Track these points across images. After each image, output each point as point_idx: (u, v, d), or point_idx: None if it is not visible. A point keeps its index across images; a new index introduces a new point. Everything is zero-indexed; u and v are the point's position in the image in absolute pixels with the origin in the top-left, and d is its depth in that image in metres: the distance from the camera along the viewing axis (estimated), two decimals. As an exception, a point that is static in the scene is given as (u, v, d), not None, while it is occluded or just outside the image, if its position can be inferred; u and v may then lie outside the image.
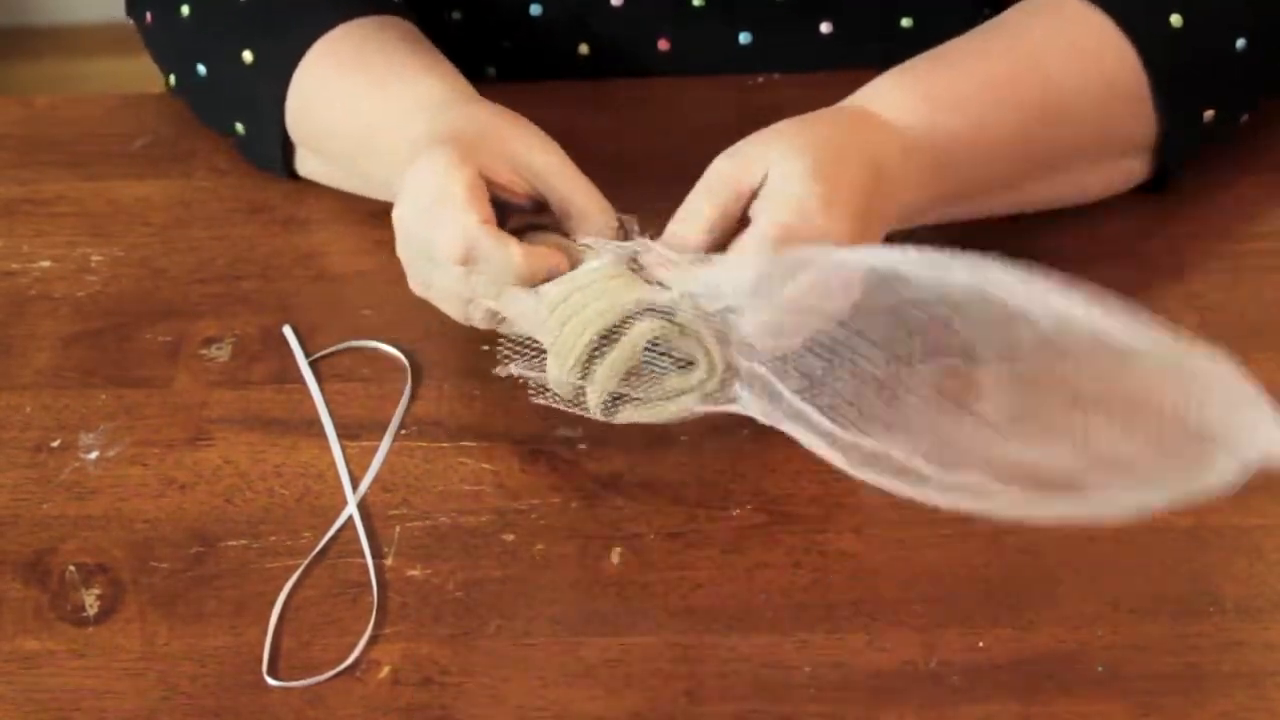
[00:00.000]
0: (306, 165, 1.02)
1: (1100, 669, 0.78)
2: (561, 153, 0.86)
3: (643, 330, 0.81)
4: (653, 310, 0.81)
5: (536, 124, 0.95)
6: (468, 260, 0.82)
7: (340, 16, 0.98)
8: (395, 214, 0.86)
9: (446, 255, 0.83)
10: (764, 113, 1.04)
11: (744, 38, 1.07)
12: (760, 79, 1.06)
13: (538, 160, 0.86)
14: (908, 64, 0.93)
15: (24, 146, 1.08)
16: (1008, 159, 0.92)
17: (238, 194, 1.03)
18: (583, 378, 0.82)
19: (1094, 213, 0.97)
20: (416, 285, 0.88)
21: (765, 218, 0.81)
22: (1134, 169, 0.96)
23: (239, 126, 1.01)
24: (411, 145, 0.87)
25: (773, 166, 0.83)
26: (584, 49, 1.10)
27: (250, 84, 0.99)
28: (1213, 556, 0.82)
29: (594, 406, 0.83)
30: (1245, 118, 0.98)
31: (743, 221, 0.83)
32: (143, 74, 1.15)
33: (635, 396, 0.83)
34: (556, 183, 0.85)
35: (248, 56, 0.99)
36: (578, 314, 0.81)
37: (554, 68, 1.12)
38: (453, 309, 0.87)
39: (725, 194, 0.83)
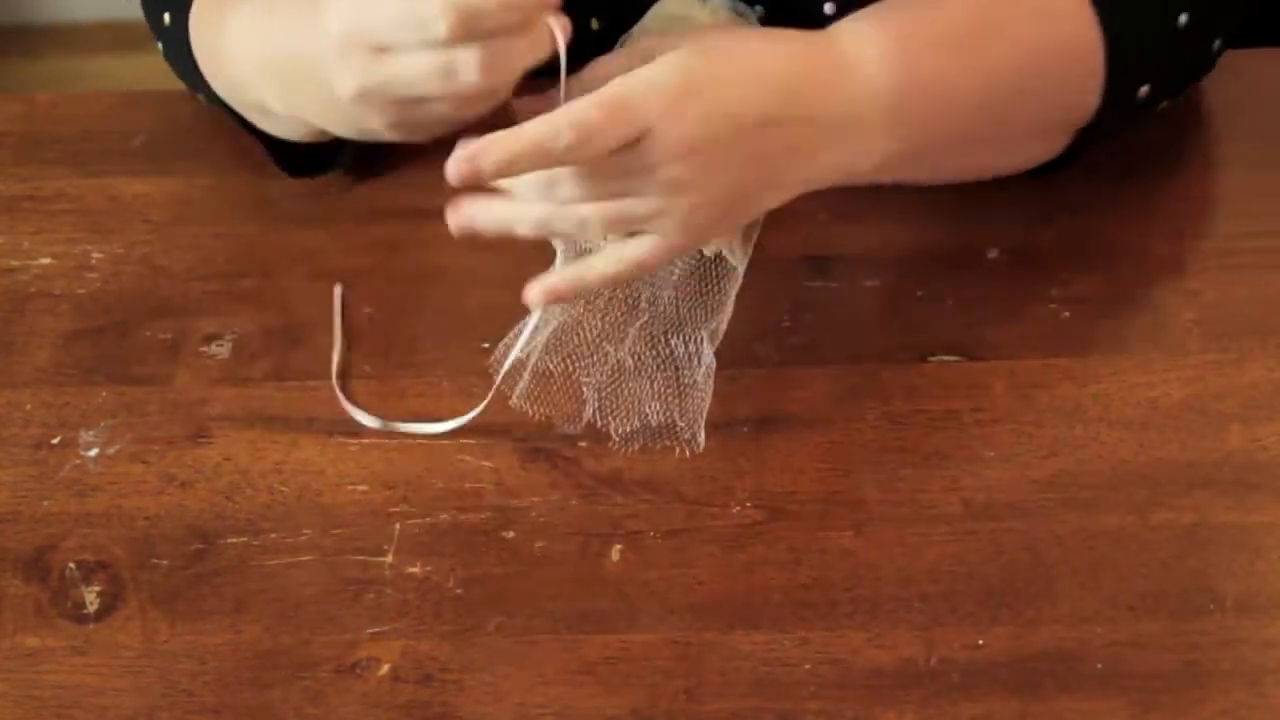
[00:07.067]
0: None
1: (1100, 667, 0.78)
2: None
3: None
4: None
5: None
6: (463, 28, 0.70)
7: None
8: None
9: (434, 23, 0.70)
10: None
11: (759, 9, 1.07)
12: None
13: None
14: (879, 6, 0.88)
15: (24, 144, 1.07)
16: (970, 114, 0.89)
17: (238, 191, 1.03)
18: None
19: (1091, 212, 0.97)
20: (350, 85, 0.76)
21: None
22: (1054, 145, 0.93)
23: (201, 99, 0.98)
24: None
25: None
26: None
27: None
28: (1212, 554, 0.82)
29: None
30: (1166, 104, 0.97)
31: None
32: (143, 72, 1.14)
33: None
34: None
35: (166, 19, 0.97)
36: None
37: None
38: (392, 115, 0.76)
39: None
